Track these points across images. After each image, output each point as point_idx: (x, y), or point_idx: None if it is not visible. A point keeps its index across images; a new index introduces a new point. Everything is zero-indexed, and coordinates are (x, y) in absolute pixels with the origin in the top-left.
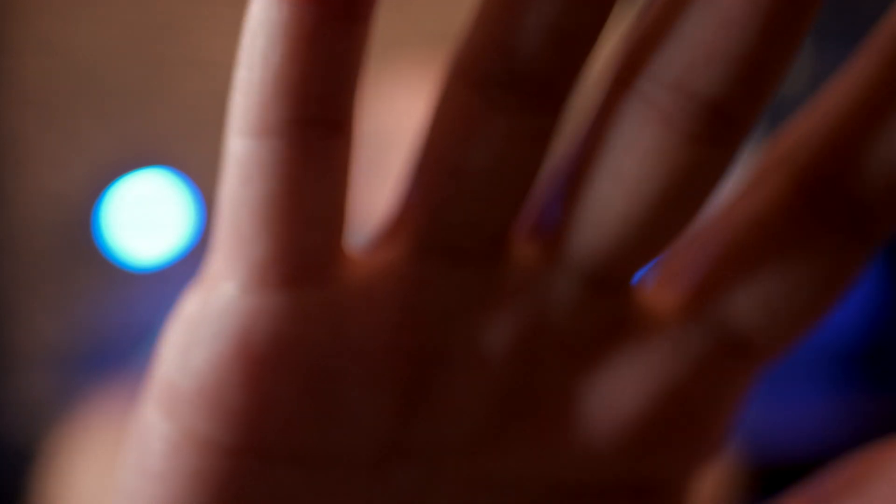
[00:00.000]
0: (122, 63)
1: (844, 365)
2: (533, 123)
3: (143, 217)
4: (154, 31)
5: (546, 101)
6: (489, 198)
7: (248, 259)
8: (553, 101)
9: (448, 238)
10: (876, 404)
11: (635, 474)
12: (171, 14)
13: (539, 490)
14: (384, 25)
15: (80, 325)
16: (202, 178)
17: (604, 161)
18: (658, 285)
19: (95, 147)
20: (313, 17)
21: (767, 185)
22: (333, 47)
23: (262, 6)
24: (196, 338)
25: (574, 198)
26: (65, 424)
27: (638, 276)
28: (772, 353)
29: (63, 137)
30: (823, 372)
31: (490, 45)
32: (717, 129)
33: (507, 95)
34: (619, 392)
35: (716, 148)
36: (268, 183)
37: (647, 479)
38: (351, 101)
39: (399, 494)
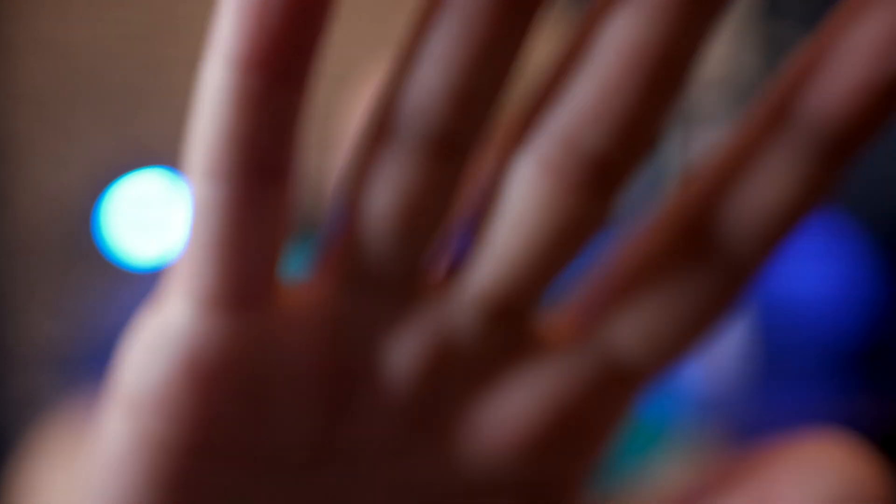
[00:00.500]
0: (122, 63)
1: (844, 365)
2: (439, 173)
3: (143, 217)
4: (154, 31)
5: (451, 154)
6: (400, 239)
7: (197, 288)
8: (458, 153)
9: (365, 274)
10: (876, 404)
11: (529, 476)
12: (171, 14)
13: (450, 488)
14: (379, 25)
15: (79, 325)
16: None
17: (502, 208)
18: (560, 314)
19: (95, 147)
20: (259, 81)
21: (658, 230)
22: (276, 108)
23: (214, 69)
24: (154, 356)
25: (478, 238)
26: (36, 426)
27: (538, 305)
28: (650, 377)
29: (63, 137)
30: (823, 372)
31: (397, 107)
32: (600, 181)
33: (413, 151)
34: (513, 408)
35: (598, 197)
36: (217, 221)
37: (539, 479)
38: (291, 153)
39: (328, 491)
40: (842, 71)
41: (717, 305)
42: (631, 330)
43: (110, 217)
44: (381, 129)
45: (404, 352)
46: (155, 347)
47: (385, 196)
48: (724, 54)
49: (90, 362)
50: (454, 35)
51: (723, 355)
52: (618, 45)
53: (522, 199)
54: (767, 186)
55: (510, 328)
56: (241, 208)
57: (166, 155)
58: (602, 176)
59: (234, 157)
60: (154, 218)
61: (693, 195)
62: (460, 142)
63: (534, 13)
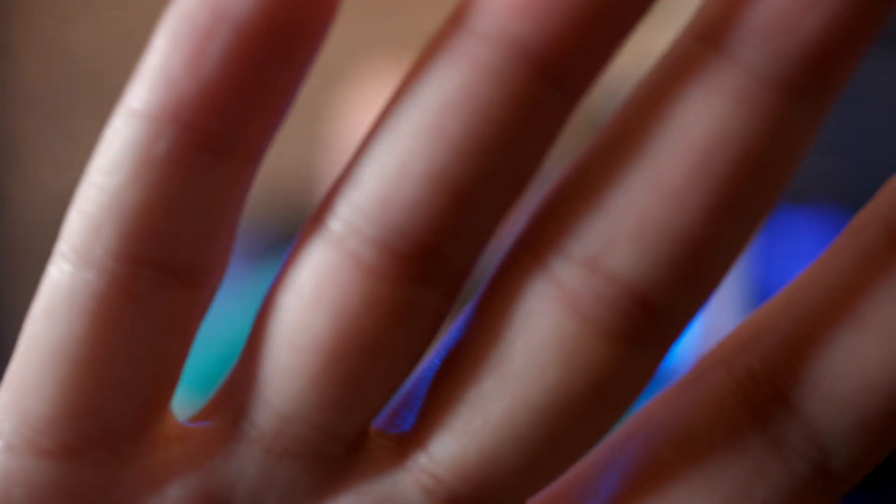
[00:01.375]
0: (122, 63)
1: None
2: (410, 297)
3: None
4: (154, 31)
5: (431, 272)
6: (333, 386)
7: (24, 412)
8: (441, 272)
9: (275, 428)
10: None
11: None
12: None
13: None
14: (362, 27)
15: None
16: None
17: (483, 348)
18: (549, 500)
19: (95, 147)
20: (175, 142)
21: (703, 387)
22: (193, 183)
23: (123, 116)
24: None
25: (441, 386)
26: None
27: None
28: None
29: (63, 137)
30: None
31: (361, 196)
32: (637, 326)
33: (377, 255)
34: None
35: (633, 350)
36: (71, 322)
37: None
38: (210, 251)
39: None
40: None
41: None
42: None
43: None
44: (327, 216)
45: None
46: None
47: (315, 319)
48: None
49: None
50: (461, 96)
51: None
52: (683, 138)
53: (520, 341)
54: (878, 347)
55: None
56: (114, 309)
57: None
58: (642, 320)
59: (117, 237)
60: None
61: (758, 342)
62: (444, 259)
63: (578, 92)
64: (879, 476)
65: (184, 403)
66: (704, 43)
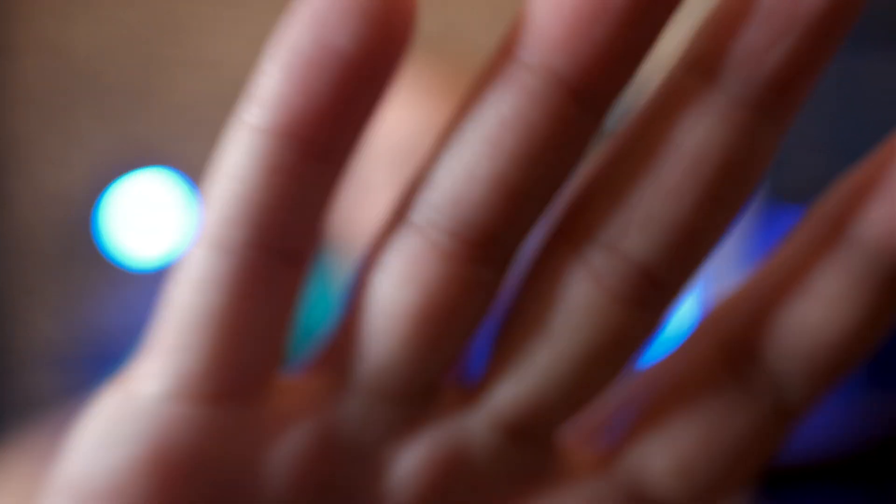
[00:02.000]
0: (122, 63)
1: None
2: (471, 276)
3: (143, 217)
4: (154, 31)
5: (489, 257)
6: (415, 346)
7: (179, 367)
8: (497, 257)
9: (369, 378)
10: (877, 404)
11: None
12: (171, 14)
13: None
14: None
15: (80, 325)
16: (202, 178)
17: (532, 315)
18: (581, 438)
19: (95, 147)
20: (290, 152)
21: (694, 349)
22: (304, 184)
23: (244, 130)
24: (114, 437)
25: (501, 347)
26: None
27: (560, 428)
28: None
29: (63, 137)
30: None
31: (433, 189)
32: (645, 293)
33: (445, 246)
34: None
35: (642, 311)
36: (215, 296)
37: None
38: (313, 236)
39: None
40: None
41: (758, 441)
42: (665, 461)
43: (110, 217)
44: (410, 212)
45: (407, 470)
46: (116, 428)
47: (404, 293)
48: None
49: (90, 363)
50: (515, 117)
51: None
52: (679, 149)
53: (556, 308)
54: (821, 313)
55: (531, 450)
56: (247, 287)
57: (167, 155)
58: (647, 288)
59: (249, 229)
60: (154, 218)
61: (736, 313)
62: (501, 244)
63: (605, 110)
64: (879, 476)
65: None
66: (694, 73)
